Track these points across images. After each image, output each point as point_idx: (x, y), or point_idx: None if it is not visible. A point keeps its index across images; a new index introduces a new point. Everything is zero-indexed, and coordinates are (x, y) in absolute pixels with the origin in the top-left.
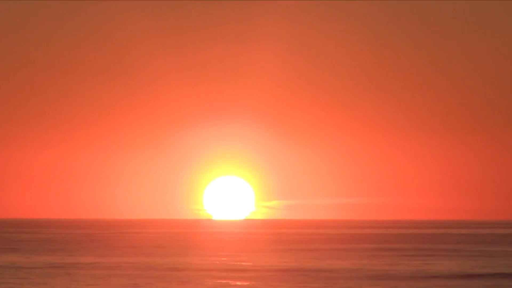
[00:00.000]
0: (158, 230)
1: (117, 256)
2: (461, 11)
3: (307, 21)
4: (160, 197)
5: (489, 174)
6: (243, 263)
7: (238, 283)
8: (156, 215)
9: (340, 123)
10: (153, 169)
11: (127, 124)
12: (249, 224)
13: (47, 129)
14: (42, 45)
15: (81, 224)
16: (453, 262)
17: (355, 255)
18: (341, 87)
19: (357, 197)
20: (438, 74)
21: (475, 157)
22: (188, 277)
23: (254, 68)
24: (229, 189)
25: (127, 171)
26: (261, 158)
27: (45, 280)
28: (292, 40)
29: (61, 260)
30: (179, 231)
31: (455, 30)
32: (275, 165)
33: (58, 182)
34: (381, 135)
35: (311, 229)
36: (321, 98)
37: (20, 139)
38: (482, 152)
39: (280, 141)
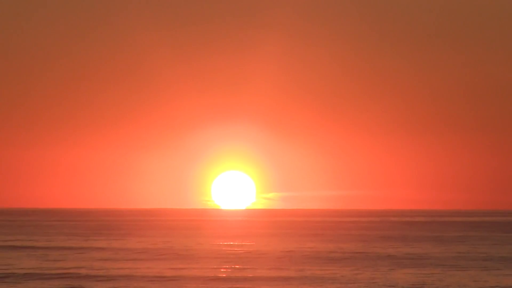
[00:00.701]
0: (174, 218)
1: (156, 237)
2: (440, 25)
3: (301, 36)
4: (174, 189)
5: (460, 169)
6: (246, 244)
7: (240, 265)
8: (171, 205)
9: (330, 124)
10: (168, 165)
11: (146, 126)
12: (251, 213)
13: (77, 130)
14: (73, 56)
15: (111, 213)
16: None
17: (337, 240)
18: (330, 93)
19: (344, 190)
20: (417, 82)
21: (448, 155)
22: (200, 258)
23: (254, 77)
24: (234, 183)
25: (145, 167)
26: (261, 155)
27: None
28: (287, 53)
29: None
30: (192, 218)
31: (433, 43)
32: (273, 162)
33: (86, 176)
34: (366, 135)
35: (304, 218)
36: (313, 103)
37: (54, 139)
38: (455, 151)
39: (277, 140)
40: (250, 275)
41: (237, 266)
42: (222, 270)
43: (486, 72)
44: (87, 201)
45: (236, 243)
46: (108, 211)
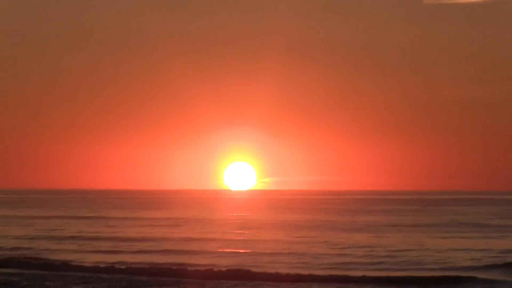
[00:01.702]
0: (198, 196)
1: (180, 210)
2: (397, 56)
3: (290, 65)
4: (197, 175)
5: (404, 161)
6: (248, 215)
7: (244, 230)
8: (195, 187)
9: (310, 128)
10: (192, 158)
11: (176, 129)
12: (252, 193)
13: (127, 132)
14: (124, 76)
15: (151, 192)
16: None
17: (313, 212)
18: (311, 106)
19: (319, 176)
20: (376, 97)
21: (397, 151)
22: (217, 224)
23: (255, 94)
24: (240, 170)
25: (176, 159)
26: (260, 150)
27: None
28: (280, 77)
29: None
30: (210, 197)
31: (391, 69)
32: (269, 155)
33: (134, 166)
34: (336, 136)
35: (290, 196)
36: (298, 113)
37: (111, 138)
38: (402, 148)
39: (272, 139)
40: (252, 238)
41: (237, 231)
42: (236, 232)
43: (428, 89)
44: (135, 184)
45: (241, 214)
46: (150, 191)
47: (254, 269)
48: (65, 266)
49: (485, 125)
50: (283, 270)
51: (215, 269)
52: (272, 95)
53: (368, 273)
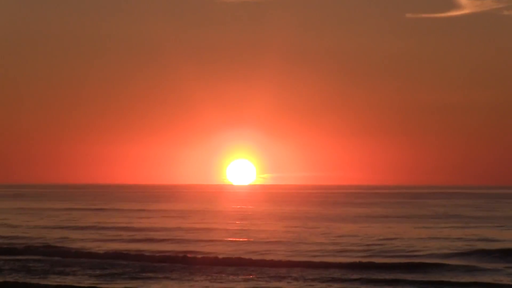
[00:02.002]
0: (203, 190)
1: (188, 203)
2: (380, 66)
3: (286, 73)
4: (203, 171)
5: (387, 158)
6: (249, 207)
7: (246, 221)
8: (201, 182)
9: (305, 128)
10: (199, 156)
11: (185, 130)
12: (253, 187)
13: (141, 133)
14: (138, 85)
15: (163, 187)
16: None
17: (305, 204)
18: (305, 109)
19: (312, 172)
20: (362, 101)
21: (380, 149)
22: (221, 216)
23: (255, 99)
24: (241, 167)
25: (185, 156)
26: (259, 149)
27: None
28: (277, 84)
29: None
30: (214, 190)
31: (375, 77)
32: (267, 153)
33: (147, 163)
34: (328, 136)
35: (286, 190)
36: (293, 115)
37: (127, 138)
38: (385, 146)
39: (270, 139)
40: (253, 228)
41: (239, 222)
42: (236, 223)
43: (410, 94)
44: (148, 179)
45: (243, 207)
46: (161, 186)
47: (254, 257)
48: (82, 253)
49: (460, 126)
50: (280, 257)
51: (219, 256)
52: (270, 100)
53: (344, 259)
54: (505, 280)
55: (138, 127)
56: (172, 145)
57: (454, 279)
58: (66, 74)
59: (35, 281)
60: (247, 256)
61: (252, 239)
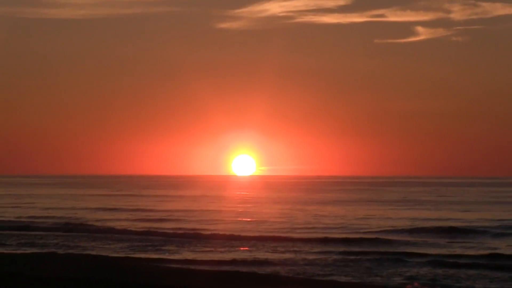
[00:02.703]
0: (213, 179)
1: (201, 189)
2: (357, 79)
3: (280, 86)
4: (213, 165)
5: (361, 153)
6: (249, 193)
7: (248, 204)
8: (211, 173)
9: (294, 131)
10: (209, 153)
11: (198, 131)
12: (253, 177)
13: (162, 134)
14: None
15: (179, 177)
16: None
17: (300, 191)
18: (295, 115)
19: (300, 165)
20: (342, 111)
21: (355, 146)
22: (227, 200)
23: (255, 106)
24: (243, 161)
25: (198, 153)
26: (258, 146)
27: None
28: (271, 95)
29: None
30: (222, 180)
31: (352, 89)
32: (265, 149)
33: (167, 159)
34: (313, 137)
35: (278, 180)
36: (286, 119)
37: (148, 137)
38: (359, 145)
39: (267, 139)
40: (252, 210)
41: (242, 205)
42: (238, 206)
43: (378, 104)
44: (170, 171)
45: (245, 193)
46: (180, 176)
47: (250, 234)
48: (106, 229)
49: (416, 128)
50: (274, 234)
51: (227, 233)
52: (266, 108)
53: (310, 235)
54: (444, 251)
55: (161, 130)
56: (188, 144)
57: (398, 250)
58: (108, 88)
59: (78, 251)
60: (249, 233)
61: (254, 219)
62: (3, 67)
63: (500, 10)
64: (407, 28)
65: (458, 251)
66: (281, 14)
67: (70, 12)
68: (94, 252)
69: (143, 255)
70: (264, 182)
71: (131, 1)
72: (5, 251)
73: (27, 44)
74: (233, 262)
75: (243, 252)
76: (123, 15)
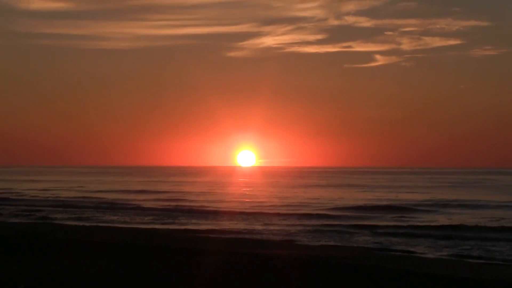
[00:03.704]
0: (222, 169)
1: (209, 176)
2: (334, 91)
3: (275, 97)
4: (222, 158)
5: (335, 149)
6: (252, 180)
7: (250, 188)
8: (221, 164)
9: (286, 132)
10: (220, 148)
11: (211, 133)
12: (253, 168)
13: (184, 135)
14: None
15: (193, 168)
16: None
17: (282, 177)
18: (285, 121)
19: (290, 158)
20: (320, 117)
21: (330, 144)
22: (233, 185)
23: (255, 115)
24: (246, 155)
25: (211, 149)
26: (257, 144)
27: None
28: (268, 105)
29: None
30: (229, 169)
31: (327, 99)
32: (262, 146)
33: (188, 154)
34: (299, 137)
35: (275, 170)
36: (278, 124)
37: (175, 138)
38: (333, 143)
39: (264, 138)
40: (253, 193)
41: (246, 188)
42: (244, 189)
43: (347, 112)
44: (190, 162)
45: (247, 180)
46: (198, 167)
47: (250, 210)
48: (135, 206)
49: (375, 131)
50: (268, 211)
51: (235, 210)
52: (263, 115)
53: (299, 211)
54: (384, 223)
55: (185, 132)
56: (204, 142)
57: (345, 223)
58: (146, 101)
59: (120, 225)
60: (249, 210)
61: (253, 199)
62: (72, 86)
63: (438, 42)
64: (368, 56)
65: (398, 223)
66: (274, 46)
67: (117, 44)
68: (129, 226)
69: (166, 227)
70: (262, 172)
71: (162, 36)
72: (58, 222)
73: (85, 68)
74: (239, 231)
75: (245, 224)
76: (156, 46)
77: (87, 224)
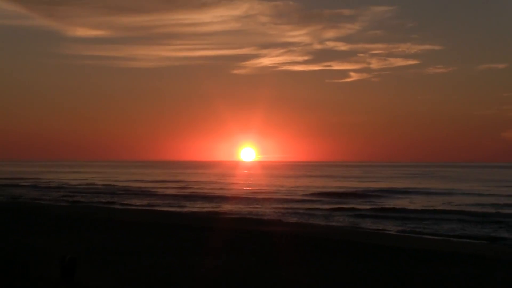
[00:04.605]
0: (228, 163)
1: (214, 168)
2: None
3: (273, 102)
4: (228, 153)
5: (320, 147)
6: (253, 172)
7: (252, 179)
8: (227, 159)
9: (280, 133)
10: (226, 146)
11: (220, 134)
12: (254, 162)
13: (200, 135)
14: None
15: (203, 162)
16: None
17: (277, 169)
18: (280, 123)
19: (283, 154)
20: (307, 122)
21: (314, 144)
22: (236, 177)
23: (255, 119)
24: (247, 151)
25: (220, 146)
26: (257, 142)
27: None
28: (266, 110)
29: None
30: (234, 162)
31: (312, 107)
32: (261, 144)
33: (202, 150)
34: (291, 137)
35: (272, 164)
36: (274, 126)
37: (191, 137)
38: (318, 143)
39: (263, 138)
40: (254, 182)
41: (248, 178)
42: (245, 179)
43: (330, 117)
44: (202, 157)
45: (248, 172)
46: (208, 161)
47: (251, 196)
48: (151, 192)
49: (350, 132)
50: (265, 196)
51: (233, 195)
52: (261, 119)
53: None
54: (357, 206)
55: (199, 132)
56: (213, 140)
57: (320, 206)
58: (169, 109)
59: (145, 208)
60: (250, 195)
61: (253, 188)
62: (108, 97)
63: (400, 62)
64: (344, 73)
65: (368, 207)
66: (269, 65)
67: (145, 64)
68: (152, 208)
69: (180, 209)
70: (261, 165)
71: (181, 57)
72: (95, 205)
73: (119, 83)
74: (242, 212)
75: (248, 207)
76: (176, 65)
77: (119, 207)
